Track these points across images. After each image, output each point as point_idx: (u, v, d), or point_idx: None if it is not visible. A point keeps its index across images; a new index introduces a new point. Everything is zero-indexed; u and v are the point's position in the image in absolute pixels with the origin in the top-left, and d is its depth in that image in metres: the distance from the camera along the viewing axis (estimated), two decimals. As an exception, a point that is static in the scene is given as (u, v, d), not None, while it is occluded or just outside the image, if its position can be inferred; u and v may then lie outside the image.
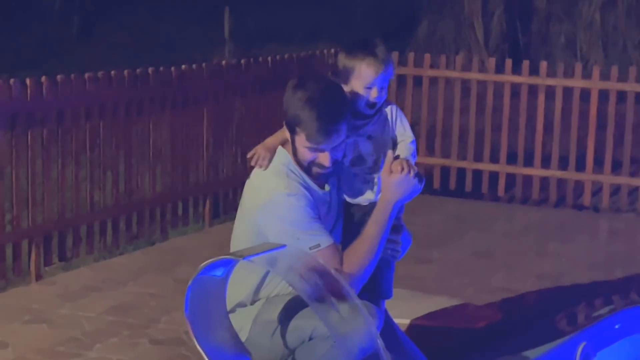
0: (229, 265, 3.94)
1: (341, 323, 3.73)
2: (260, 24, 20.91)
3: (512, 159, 9.15)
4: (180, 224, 7.96)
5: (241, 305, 4.11)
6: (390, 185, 3.96)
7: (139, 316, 6.03)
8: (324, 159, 3.90)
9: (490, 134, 9.18)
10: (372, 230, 3.97)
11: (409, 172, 3.94)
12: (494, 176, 9.19)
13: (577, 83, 8.81)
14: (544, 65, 8.95)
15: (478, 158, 9.25)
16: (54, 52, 18.14)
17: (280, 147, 4.04)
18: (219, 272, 3.94)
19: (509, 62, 9.14)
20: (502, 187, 9.16)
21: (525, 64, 9.03)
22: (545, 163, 9.03)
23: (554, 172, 8.98)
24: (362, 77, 4.04)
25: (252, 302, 4.11)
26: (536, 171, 9.04)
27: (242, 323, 4.08)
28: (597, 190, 9.01)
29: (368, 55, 4.03)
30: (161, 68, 7.57)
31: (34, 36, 19.38)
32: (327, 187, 4.04)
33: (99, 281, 6.71)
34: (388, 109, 4.16)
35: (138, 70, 7.37)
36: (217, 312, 4.05)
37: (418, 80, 9.36)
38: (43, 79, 6.65)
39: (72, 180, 7.01)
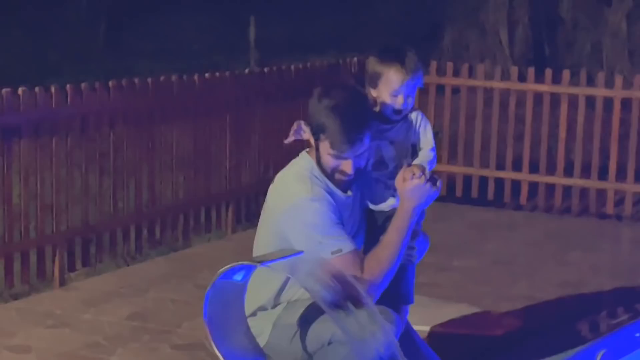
0: (247, 270, 3.99)
1: (358, 329, 3.77)
2: (285, 33, 20.99)
3: (534, 167, 9.14)
4: (203, 231, 8.00)
5: (262, 308, 4.16)
6: (404, 193, 4.01)
7: (160, 321, 6.09)
8: (347, 166, 3.96)
9: (513, 143, 9.18)
10: (392, 236, 4.01)
11: (421, 178, 3.98)
12: (516, 184, 9.19)
13: (599, 92, 8.81)
14: (566, 74, 8.95)
15: (500, 166, 9.25)
16: (80, 60, 18.26)
17: (304, 152, 4.10)
18: (238, 277, 3.99)
19: (531, 71, 9.15)
20: (525, 195, 9.16)
21: (548, 72, 9.03)
22: (568, 172, 9.03)
23: (576, 181, 8.98)
24: (389, 83, 4.09)
25: (274, 306, 4.15)
26: (559, 180, 9.04)
27: (263, 326, 4.13)
28: (620, 199, 8.99)
29: (397, 62, 4.10)
30: (184, 76, 7.63)
31: (60, 44, 19.51)
32: (349, 192, 4.08)
33: (122, 287, 6.76)
34: (413, 115, 4.21)
35: (162, 78, 7.43)
36: (236, 316, 4.10)
37: (441, 89, 9.38)
38: (68, 87, 6.73)
39: (96, 187, 7.07)
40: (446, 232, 8.25)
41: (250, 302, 4.15)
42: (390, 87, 4.10)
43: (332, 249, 3.93)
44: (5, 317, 6.16)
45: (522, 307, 6.42)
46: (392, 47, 4.22)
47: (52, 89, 6.62)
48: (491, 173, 9.26)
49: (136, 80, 7.24)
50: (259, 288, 4.13)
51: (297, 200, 3.96)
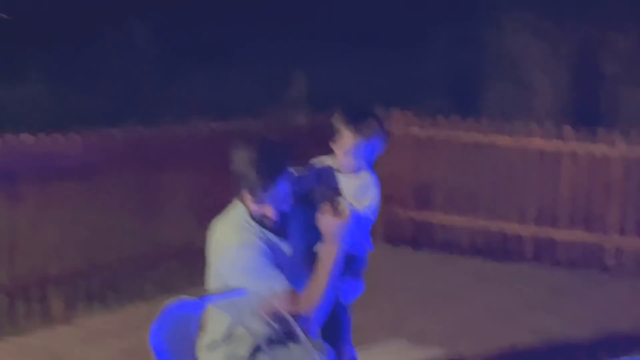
0: (194, 305, 4.33)
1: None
2: (333, 86, 21.35)
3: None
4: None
5: (217, 342, 4.47)
6: (320, 228, 4.31)
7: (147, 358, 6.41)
8: (269, 211, 4.26)
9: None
10: (319, 271, 4.30)
11: (331, 214, 4.26)
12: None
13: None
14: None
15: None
16: (131, 107, 18.73)
17: (237, 200, 4.41)
18: (189, 311, 4.35)
19: (502, 125, 9.68)
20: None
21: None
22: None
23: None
24: (343, 142, 4.40)
25: (226, 340, 4.45)
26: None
27: (216, 359, 4.42)
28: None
29: (353, 125, 4.39)
30: (141, 129, 7.92)
31: (116, 93, 20.08)
32: (284, 236, 4.36)
33: (122, 325, 7.09)
34: (364, 174, 4.47)
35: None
36: (185, 347, 4.44)
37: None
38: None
39: (106, 229, 7.49)
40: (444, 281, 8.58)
41: (207, 336, 4.49)
42: (344, 146, 4.40)
43: (265, 289, 4.23)
44: (3, 352, 6.54)
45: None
46: (357, 109, 4.50)
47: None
48: (497, 226, 9.54)
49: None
50: (214, 322, 4.46)
51: (229, 247, 4.28)
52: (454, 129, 9.69)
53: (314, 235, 4.43)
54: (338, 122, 4.41)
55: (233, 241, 4.28)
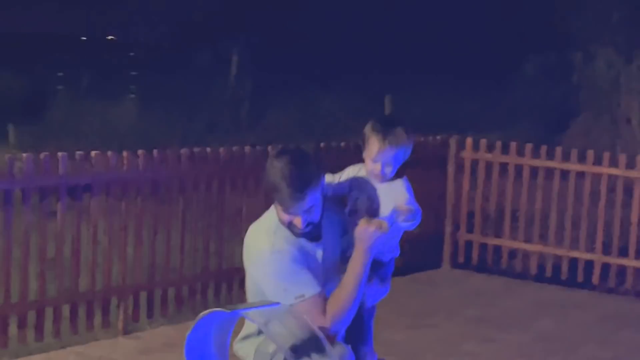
0: (224, 316, 4.47)
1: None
2: (424, 112, 21.40)
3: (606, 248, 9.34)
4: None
5: (251, 334, 4.63)
6: (356, 235, 4.40)
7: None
8: (297, 221, 4.38)
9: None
10: (348, 277, 4.41)
11: (370, 223, 4.36)
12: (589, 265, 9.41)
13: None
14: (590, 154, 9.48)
15: (574, 246, 9.49)
16: (219, 134, 19.02)
17: (272, 206, 4.52)
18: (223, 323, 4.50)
19: (574, 152, 9.55)
20: (597, 276, 9.36)
21: (590, 153, 9.51)
22: None
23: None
24: (371, 150, 4.48)
25: (257, 334, 4.60)
26: (629, 262, 9.22)
27: (249, 350, 4.61)
28: None
29: (382, 133, 4.46)
30: (208, 149, 8.01)
31: (205, 115, 20.41)
32: (317, 242, 4.46)
33: (180, 339, 7.23)
34: (398, 182, 4.54)
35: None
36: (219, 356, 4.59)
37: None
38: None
39: (164, 245, 7.67)
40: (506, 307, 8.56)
41: (243, 330, 4.65)
42: (371, 153, 4.48)
43: (295, 294, 4.34)
44: (62, 360, 6.79)
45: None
46: (388, 119, 4.65)
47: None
48: (565, 252, 9.50)
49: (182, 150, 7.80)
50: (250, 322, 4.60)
51: (261, 253, 4.42)
52: (524, 155, 9.68)
53: (347, 240, 4.54)
54: (368, 131, 4.48)
55: (264, 246, 4.41)
